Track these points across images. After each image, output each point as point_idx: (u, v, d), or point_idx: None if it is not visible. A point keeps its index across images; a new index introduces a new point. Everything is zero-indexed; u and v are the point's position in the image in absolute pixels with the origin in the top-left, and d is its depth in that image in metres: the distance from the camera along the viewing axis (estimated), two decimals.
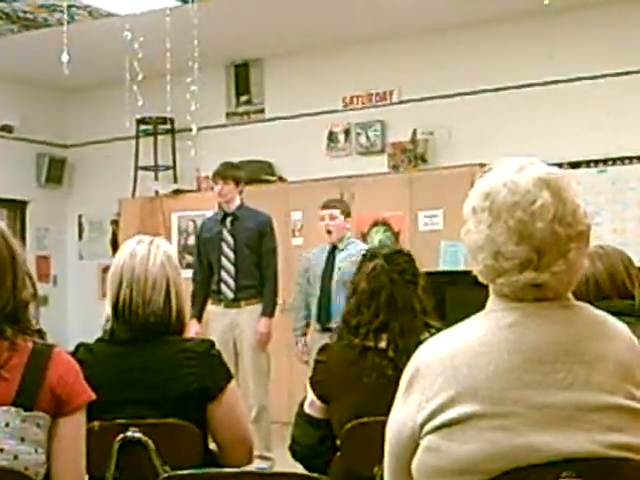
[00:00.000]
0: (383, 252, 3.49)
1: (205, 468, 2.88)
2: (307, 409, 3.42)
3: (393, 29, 9.30)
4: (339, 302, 6.72)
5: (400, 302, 3.34)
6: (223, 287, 6.99)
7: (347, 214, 7.05)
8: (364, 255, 3.57)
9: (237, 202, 7.11)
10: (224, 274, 7.00)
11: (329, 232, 6.96)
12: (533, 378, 1.84)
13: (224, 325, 6.96)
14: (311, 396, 3.40)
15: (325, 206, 7.07)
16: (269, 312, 6.98)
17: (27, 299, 2.38)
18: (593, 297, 3.09)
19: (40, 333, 2.40)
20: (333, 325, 6.76)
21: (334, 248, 6.99)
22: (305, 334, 7.09)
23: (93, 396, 2.41)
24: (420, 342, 2.03)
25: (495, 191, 1.90)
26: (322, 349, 3.48)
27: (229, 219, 7.08)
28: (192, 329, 6.94)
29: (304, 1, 8.54)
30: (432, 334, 2.53)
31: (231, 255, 7.01)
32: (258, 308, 6.97)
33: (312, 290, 7.00)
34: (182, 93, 7.77)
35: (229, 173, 7.11)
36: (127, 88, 7.77)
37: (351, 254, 6.75)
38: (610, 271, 3.33)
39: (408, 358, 1.99)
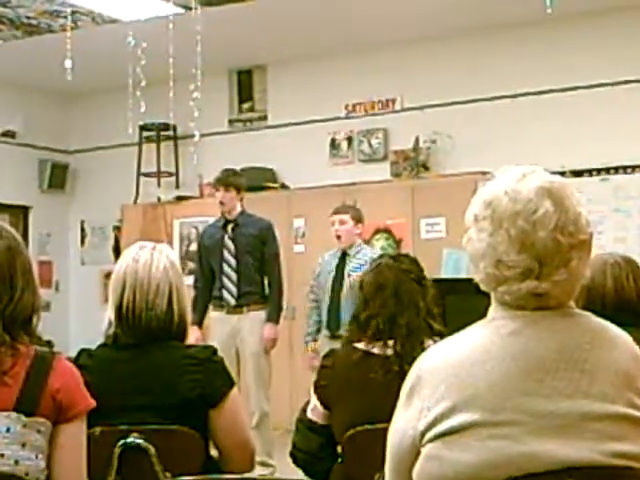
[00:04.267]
0: (392, 254, 3.57)
1: (206, 474, 2.88)
2: (309, 414, 3.42)
3: (396, 37, 9.31)
4: (348, 309, 6.76)
5: (405, 297, 3.36)
6: (225, 293, 7.00)
7: (358, 220, 7.05)
8: (373, 260, 3.62)
9: (238, 209, 7.13)
10: (226, 280, 7.00)
11: (338, 237, 6.98)
12: (535, 386, 1.84)
13: (226, 331, 6.96)
14: (314, 401, 3.41)
15: (336, 212, 7.11)
16: (275, 318, 6.99)
17: (29, 307, 2.38)
18: (599, 308, 3.09)
19: (49, 344, 2.41)
20: (342, 332, 6.77)
21: (344, 254, 6.99)
22: (316, 340, 7.07)
23: (93, 403, 2.42)
24: (424, 348, 2.04)
25: (497, 199, 1.90)
26: (327, 354, 3.50)
27: (230, 226, 7.09)
28: (193, 335, 6.94)
29: (307, 8, 8.55)
30: (435, 341, 2.53)
31: (233, 262, 7.01)
32: (260, 314, 6.97)
33: (323, 295, 7.00)
34: (185, 100, 7.79)
35: (231, 180, 7.12)
36: (130, 94, 7.79)
37: (361, 262, 6.78)
38: (619, 284, 3.34)
39: (411, 365, 1.99)
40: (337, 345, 6.18)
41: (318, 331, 7.06)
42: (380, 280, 3.40)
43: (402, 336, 3.29)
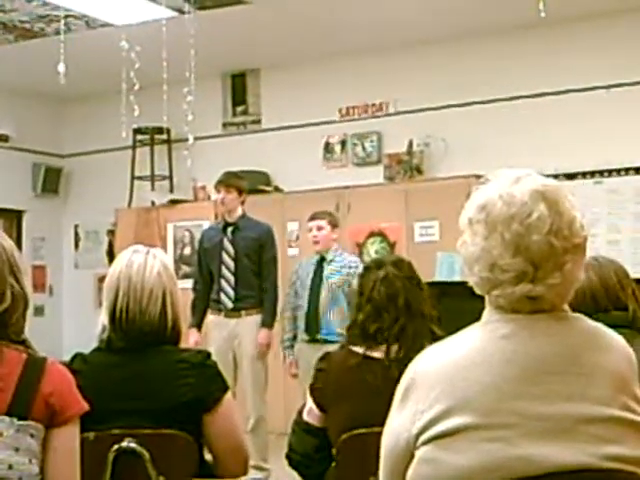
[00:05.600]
0: (390, 260, 3.55)
1: (200, 479, 2.87)
2: (305, 416, 3.43)
3: (389, 40, 9.31)
4: (330, 314, 6.80)
5: (414, 306, 3.39)
6: (223, 296, 6.98)
7: (334, 225, 7.08)
8: (367, 266, 3.60)
9: (239, 212, 7.12)
10: (224, 283, 6.99)
11: (316, 243, 7.01)
12: (529, 389, 1.84)
13: (223, 335, 6.95)
14: (310, 403, 3.41)
15: (312, 217, 7.12)
16: (269, 323, 6.97)
17: (11, 309, 2.36)
18: (589, 309, 3.09)
19: (24, 343, 2.38)
20: (322, 336, 6.79)
21: (322, 259, 7.01)
22: (292, 346, 7.09)
23: (86, 407, 2.40)
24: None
25: (491, 203, 1.90)
26: (323, 357, 3.49)
27: (230, 229, 7.08)
28: (192, 338, 6.93)
29: (301, 12, 8.55)
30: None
31: (231, 264, 7.00)
32: (257, 318, 6.96)
33: (300, 301, 7.01)
34: (179, 103, 7.78)
35: (232, 182, 7.11)
36: (124, 98, 7.78)
37: (340, 266, 6.88)
38: (604, 283, 3.34)
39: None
40: (315, 348, 6.26)
41: (294, 337, 7.08)
42: (391, 292, 3.40)
43: (407, 342, 3.29)
